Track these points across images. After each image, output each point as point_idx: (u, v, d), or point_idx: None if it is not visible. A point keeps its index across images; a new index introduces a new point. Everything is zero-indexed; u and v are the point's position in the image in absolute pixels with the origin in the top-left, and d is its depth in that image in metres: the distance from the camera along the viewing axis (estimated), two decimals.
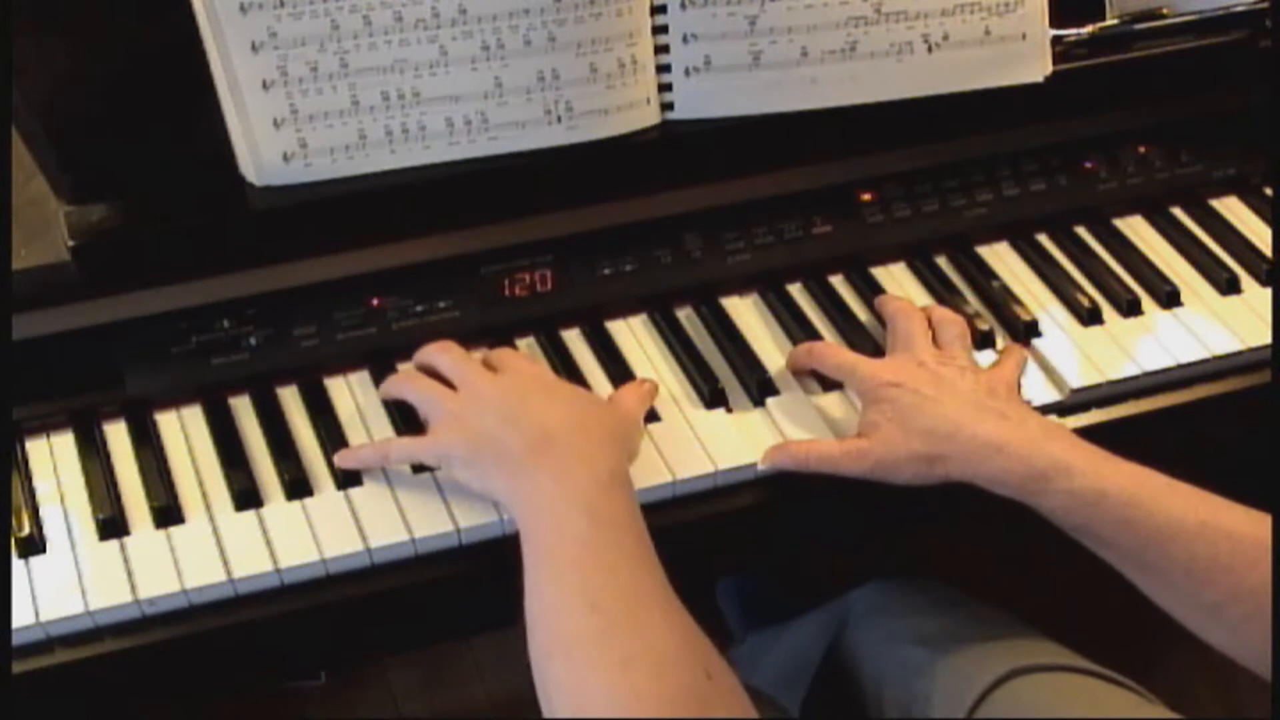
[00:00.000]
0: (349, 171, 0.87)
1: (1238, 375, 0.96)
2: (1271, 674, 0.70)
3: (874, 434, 0.83)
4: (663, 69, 0.92)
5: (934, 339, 0.89)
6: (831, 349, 0.90)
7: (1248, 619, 0.72)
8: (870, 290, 0.99)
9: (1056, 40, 0.97)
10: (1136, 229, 1.06)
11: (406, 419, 0.87)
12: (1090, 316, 0.98)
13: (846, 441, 0.84)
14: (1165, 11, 1.02)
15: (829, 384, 0.92)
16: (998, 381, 0.85)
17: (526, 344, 0.94)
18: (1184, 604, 0.75)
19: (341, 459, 0.83)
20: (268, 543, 0.80)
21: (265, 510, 0.82)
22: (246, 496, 0.82)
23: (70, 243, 0.82)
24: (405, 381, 0.86)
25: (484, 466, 0.78)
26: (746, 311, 0.98)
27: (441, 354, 0.85)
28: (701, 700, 0.65)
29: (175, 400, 0.88)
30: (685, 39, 0.91)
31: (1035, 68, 0.97)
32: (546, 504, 0.74)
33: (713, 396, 0.90)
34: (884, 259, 1.02)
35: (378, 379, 0.90)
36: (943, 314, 0.91)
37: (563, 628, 0.69)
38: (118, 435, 0.86)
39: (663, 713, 0.64)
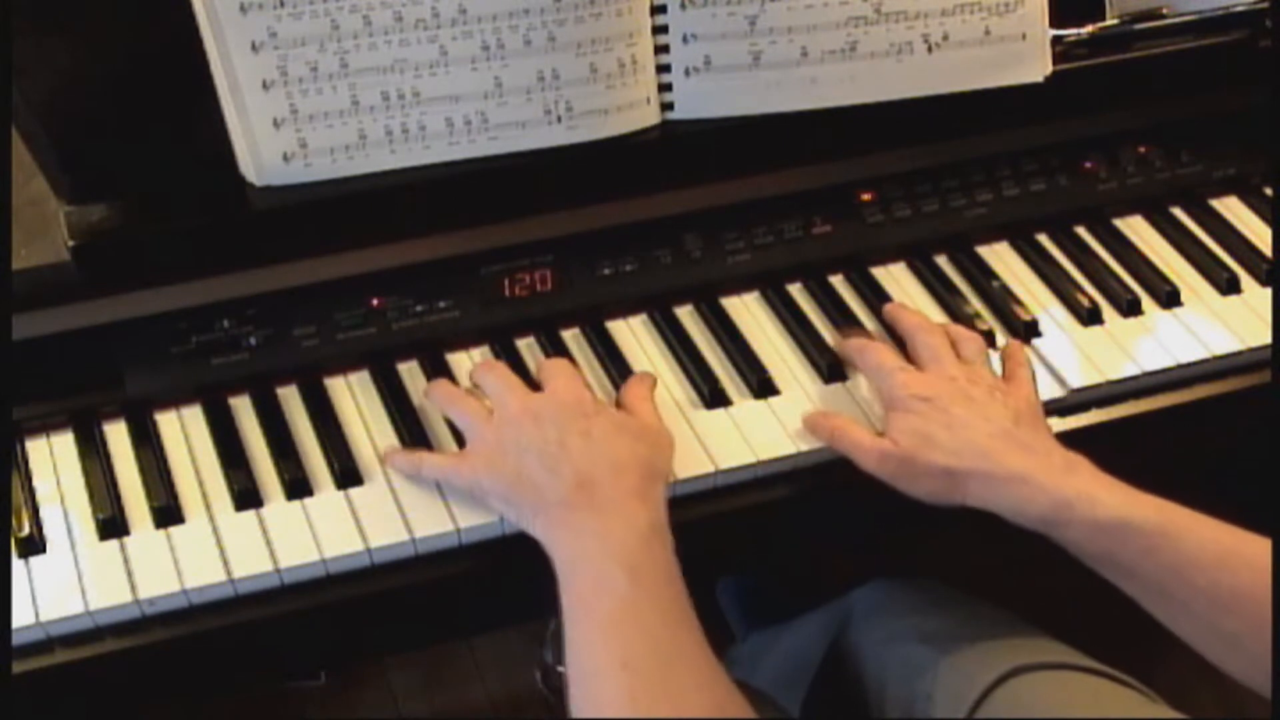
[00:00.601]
0: (349, 171, 0.87)
1: (1238, 375, 0.96)
2: (1272, 674, 0.70)
3: (900, 441, 0.82)
4: (663, 69, 0.92)
5: (956, 350, 0.88)
6: (875, 348, 0.89)
7: (1269, 650, 0.71)
8: (870, 290, 0.99)
9: (1056, 40, 0.97)
10: (1136, 229, 1.06)
11: (408, 422, 0.87)
12: (1090, 316, 0.98)
13: (878, 439, 0.84)
14: (1165, 11, 1.02)
15: (830, 380, 0.92)
16: (1024, 407, 0.84)
17: (526, 344, 0.94)
18: (1205, 634, 0.75)
19: (388, 457, 0.84)
20: (268, 543, 0.80)
21: (265, 510, 0.82)
22: (246, 496, 0.82)
23: (70, 243, 0.82)
24: (449, 400, 0.86)
25: (521, 508, 0.78)
26: (746, 311, 0.98)
27: (486, 373, 0.85)
28: None
29: (175, 400, 0.88)
30: (685, 39, 0.91)
31: (1035, 68, 0.97)
32: (587, 559, 0.74)
33: (713, 396, 0.90)
34: (884, 259, 1.02)
35: (378, 379, 0.90)
36: (960, 330, 0.91)
37: (597, 690, 0.69)
38: (118, 435, 0.86)
39: None
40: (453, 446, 0.86)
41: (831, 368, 0.92)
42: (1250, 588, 0.72)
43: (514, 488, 0.78)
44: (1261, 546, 0.74)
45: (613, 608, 0.71)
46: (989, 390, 0.84)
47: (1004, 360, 0.90)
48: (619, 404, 0.86)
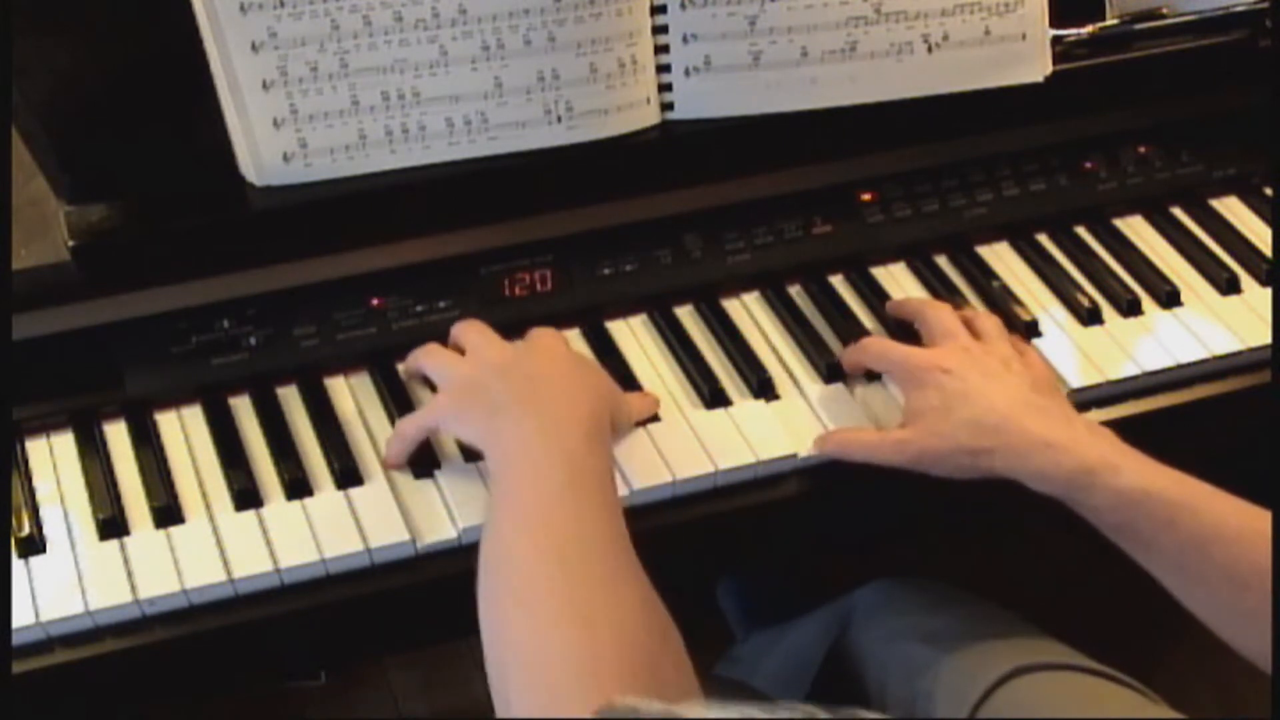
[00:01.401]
0: (349, 171, 0.87)
1: (1238, 375, 0.96)
2: (1271, 675, 0.70)
3: (918, 423, 0.83)
4: (663, 69, 0.92)
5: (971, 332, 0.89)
6: (876, 341, 0.90)
7: None
8: (870, 290, 0.99)
9: (1056, 40, 0.97)
10: (1136, 229, 1.06)
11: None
12: (1090, 316, 0.98)
13: (889, 432, 0.84)
14: (1165, 11, 1.02)
15: (830, 380, 0.92)
16: (1040, 375, 0.85)
17: None
18: (1221, 610, 0.75)
19: (387, 458, 0.84)
20: (268, 543, 0.80)
21: (265, 510, 0.82)
22: (246, 496, 0.82)
23: (70, 243, 0.82)
24: (422, 355, 0.87)
25: (472, 414, 0.79)
26: (746, 312, 0.98)
27: (465, 329, 0.87)
28: (655, 665, 0.65)
29: (175, 400, 0.88)
30: (685, 39, 0.91)
31: (1035, 68, 0.97)
32: (526, 450, 0.74)
33: (713, 396, 0.90)
34: (884, 259, 1.02)
35: (378, 379, 0.90)
36: (974, 311, 0.92)
37: (528, 578, 0.68)
38: (118, 435, 0.86)
39: (619, 674, 0.63)
40: (454, 451, 0.86)
41: (831, 368, 0.92)
42: (1269, 564, 0.71)
43: (469, 399, 0.80)
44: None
45: (547, 497, 0.71)
46: (1004, 361, 0.84)
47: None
48: None
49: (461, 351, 0.86)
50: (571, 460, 0.73)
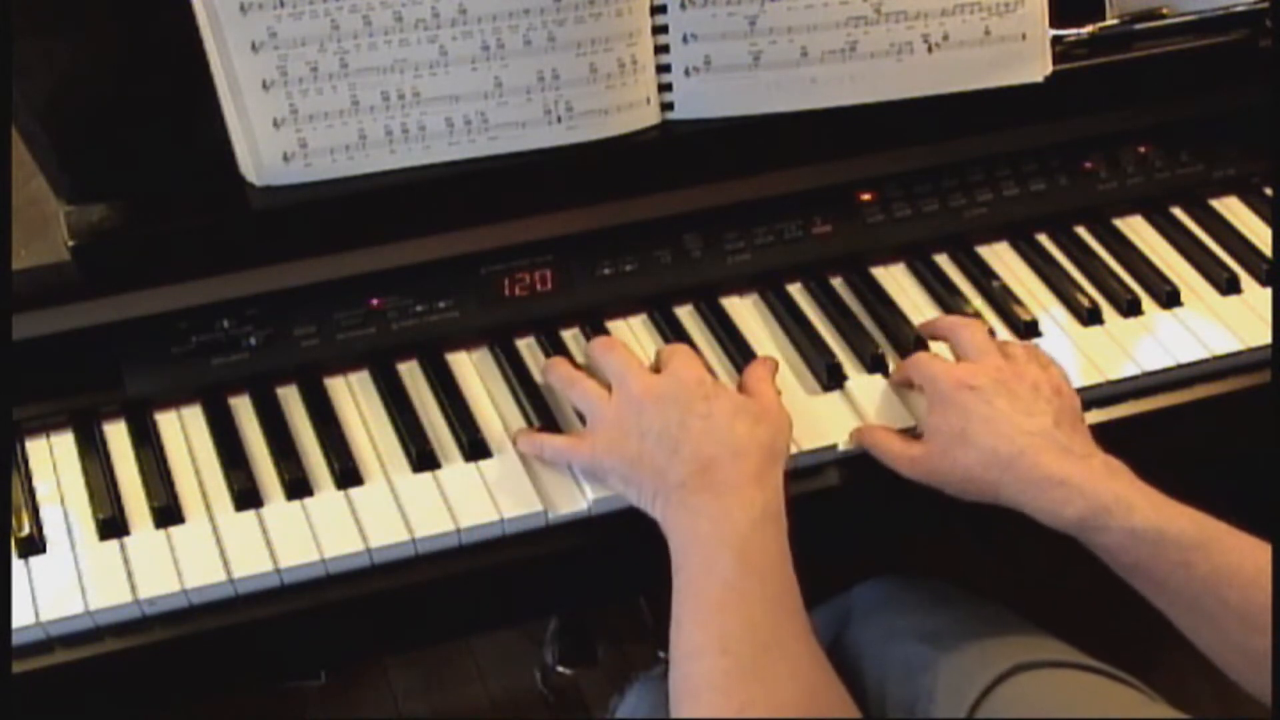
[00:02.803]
0: (349, 171, 0.87)
1: (1238, 375, 0.96)
2: (1271, 674, 0.70)
3: (934, 441, 0.82)
4: (663, 69, 0.92)
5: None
6: (923, 356, 0.89)
7: None
8: (870, 290, 0.99)
9: (1056, 40, 0.97)
10: (1136, 229, 1.06)
11: (408, 422, 0.87)
12: (1090, 316, 0.98)
13: (908, 443, 0.85)
14: (1165, 11, 1.02)
15: (830, 385, 0.92)
16: (1066, 405, 0.83)
17: (526, 344, 0.94)
18: (1232, 651, 0.74)
19: (516, 438, 0.86)
20: (268, 543, 0.80)
21: (265, 510, 0.82)
22: (246, 496, 0.82)
23: (70, 243, 0.82)
24: (568, 382, 0.86)
25: (641, 489, 0.79)
26: (746, 311, 0.98)
27: (605, 352, 0.86)
28: None
29: (175, 400, 0.88)
30: (685, 39, 0.91)
31: (1035, 68, 0.97)
32: (699, 543, 0.75)
33: None
34: (884, 259, 1.02)
35: (378, 379, 0.90)
36: (1006, 341, 0.91)
37: (695, 671, 0.70)
38: (118, 435, 0.86)
39: None
40: (454, 451, 0.86)
41: (830, 369, 0.92)
42: None
43: (634, 469, 0.79)
44: None
45: (718, 591, 0.72)
46: (1033, 387, 0.83)
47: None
48: (740, 386, 0.87)
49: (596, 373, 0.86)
50: (740, 553, 0.73)
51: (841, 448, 0.88)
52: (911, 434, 0.88)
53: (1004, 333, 0.97)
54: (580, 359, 0.93)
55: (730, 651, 0.70)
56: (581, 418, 0.86)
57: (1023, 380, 0.83)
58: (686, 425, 0.79)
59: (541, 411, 0.88)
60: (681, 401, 0.80)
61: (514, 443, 0.86)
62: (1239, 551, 0.74)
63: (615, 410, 0.82)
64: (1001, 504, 0.80)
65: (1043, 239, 1.04)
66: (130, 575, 0.78)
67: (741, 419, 0.80)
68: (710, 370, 0.89)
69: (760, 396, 0.85)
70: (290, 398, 0.89)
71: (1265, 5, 1.02)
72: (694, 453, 0.78)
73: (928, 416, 0.84)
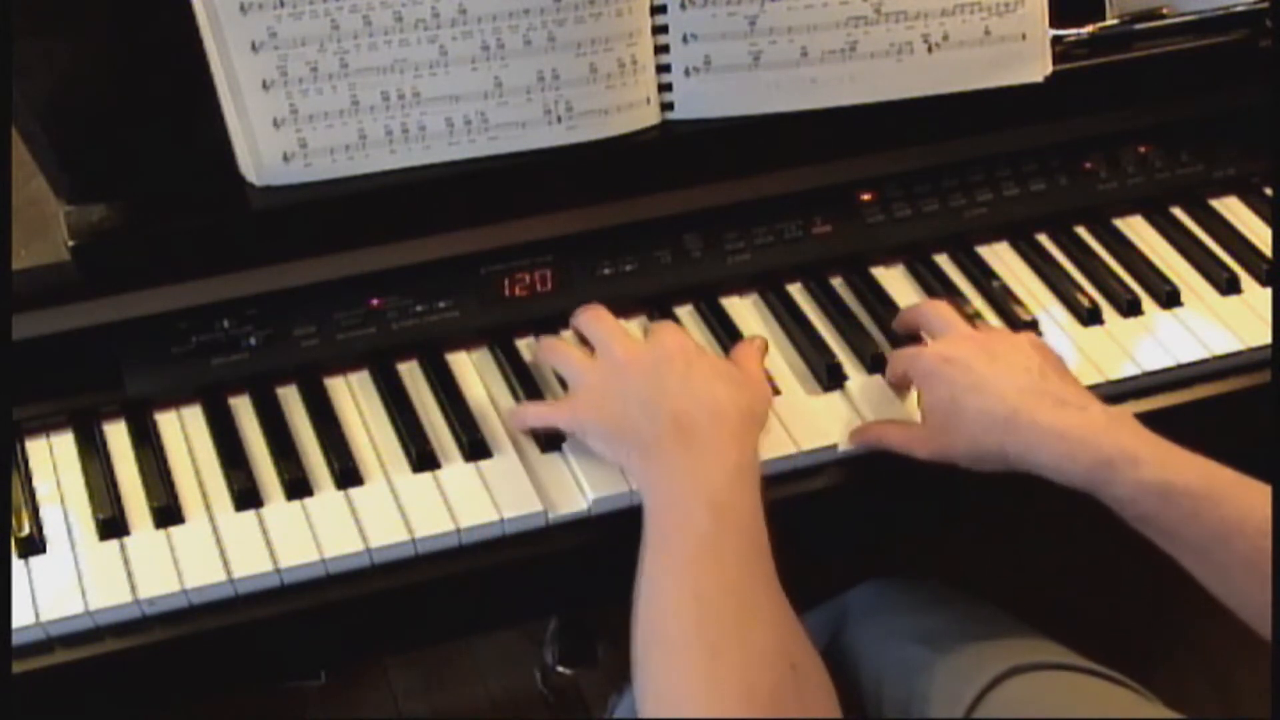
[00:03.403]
0: (349, 171, 0.87)
1: (1238, 375, 0.96)
2: (1271, 674, 0.70)
3: (931, 417, 0.83)
4: (663, 69, 0.92)
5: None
6: (896, 350, 0.90)
7: None
8: (870, 290, 0.99)
9: (1056, 40, 0.97)
10: (1136, 229, 1.06)
11: (408, 422, 0.87)
12: (1090, 316, 0.98)
13: (910, 428, 0.85)
14: (1165, 11, 1.02)
15: (830, 385, 0.92)
16: (1048, 355, 0.83)
17: (526, 344, 0.94)
18: (1243, 600, 0.74)
19: (507, 416, 0.88)
20: (268, 543, 0.80)
21: (265, 510, 0.82)
22: (246, 496, 0.82)
23: (70, 243, 0.82)
24: (551, 350, 0.88)
25: (619, 445, 0.80)
26: (746, 311, 0.98)
27: (590, 321, 0.87)
28: (782, 694, 0.67)
29: (175, 400, 0.88)
30: (685, 39, 0.91)
31: (1035, 68, 0.97)
32: (675, 496, 0.75)
33: None
34: (884, 259, 1.02)
35: (378, 379, 0.90)
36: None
37: (666, 620, 0.71)
38: (118, 435, 0.86)
39: (742, 703, 0.65)
40: (454, 451, 0.86)
41: (830, 369, 0.92)
42: None
43: (615, 430, 0.80)
44: None
45: (693, 544, 0.73)
46: (1011, 345, 0.83)
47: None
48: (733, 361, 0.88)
49: (585, 342, 0.87)
50: (714, 505, 0.74)
51: (841, 448, 0.88)
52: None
53: None
54: None
55: (704, 600, 0.70)
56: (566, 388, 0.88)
57: (997, 341, 0.84)
58: (666, 387, 0.80)
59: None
60: (663, 365, 0.82)
61: (507, 426, 0.87)
62: (1248, 501, 0.73)
63: (598, 374, 0.84)
64: (1012, 467, 0.79)
65: (1043, 239, 1.04)
66: (130, 575, 0.78)
67: (721, 382, 0.81)
68: None
69: (743, 366, 0.86)
70: (290, 398, 0.89)
71: (1265, 5, 1.02)
72: (671, 411, 0.78)
73: (921, 401, 0.85)
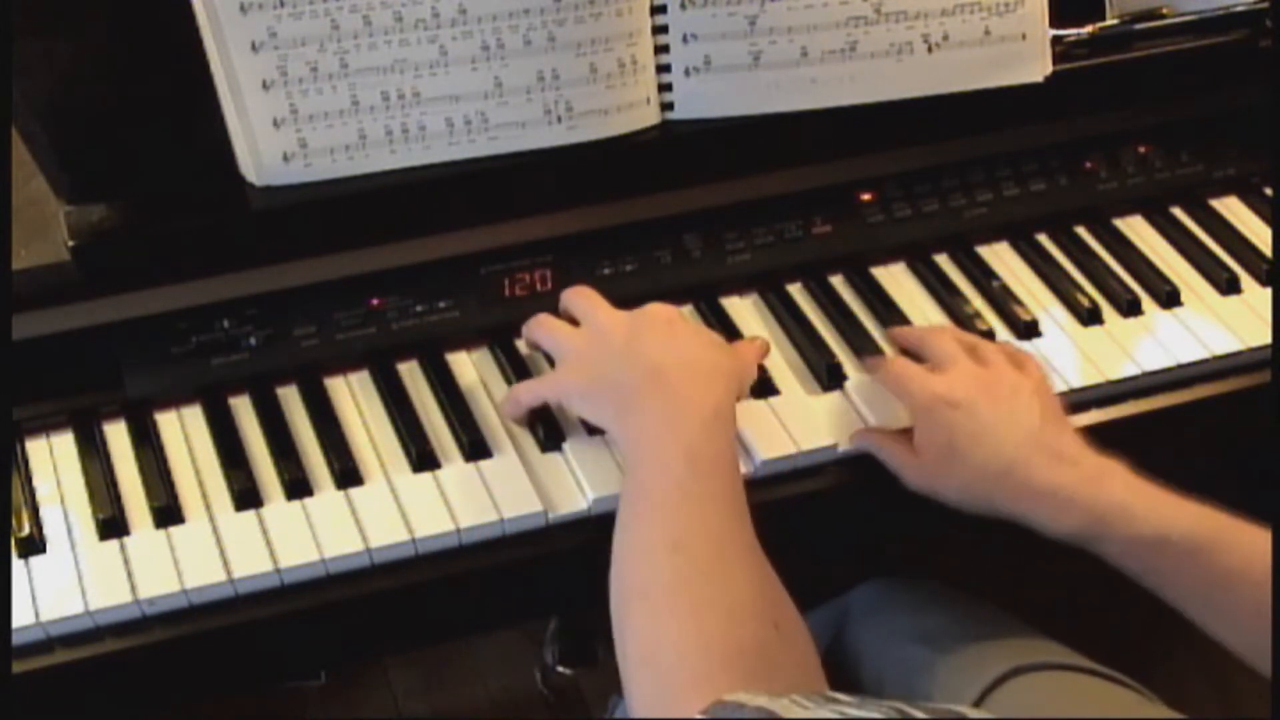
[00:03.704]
0: (349, 171, 0.87)
1: (1238, 375, 0.96)
2: (1271, 674, 0.70)
3: (925, 454, 0.82)
4: (663, 69, 0.92)
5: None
6: (898, 364, 0.88)
7: None
8: (870, 290, 0.99)
9: (1056, 40, 0.97)
10: (1136, 229, 1.06)
11: (408, 422, 0.87)
12: (1090, 316, 0.98)
13: (908, 452, 0.83)
14: (1165, 11, 1.02)
15: (830, 385, 0.92)
16: (1047, 401, 0.82)
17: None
18: (1250, 646, 0.73)
19: (501, 407, 0.88)
20: (268, 543, 0.80)
21: (265, 510, 0.82)
22: (246, 496, 0.82)
23: (70, 243, 0.82)
24: (536, 326, 0.88)
25: (598, 400, 0.81)
26: (746, 311, 0.98)
27: (575, 296, 0.88)
28: (767, 653, 0.66)
29: (175, 400, 0.88)
30: (685, 39, 0.91)
31: (1035, 68, 0.97)
32: (651, 443, 0.76)
33: None
34: (884, 259, 1.02)
35: (378, 379, 0.90)
36: (973, 336, 0.90)
37: (645, 570, 0.70)
38: (118, 435, 0.86)
39: (728, 662, 0.65)
40: (454, 451, 0.86)
41: (830, 369, 0.92)
42: None
43: (595, 385, 0.81)
44: None
45: (672, 491, 0.73)
46: (1013, 388, 0.82)
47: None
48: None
49: (573, 320, 0.87)
50: (690, 452, 0.74)
51: (841, 448, 0.88)
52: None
53: (1004, 333, 0.97)
54: None
55: (682, 550, 0.70)
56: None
57: (1001, 384, 0.82)
58: (643, 343, 0.81)
59: (540, 409, 0.88)
60: (645, 326, 0.83)
61: (507, 426, 0.87)
62: (1248, 550, 0.73)
63: (582, 339, 0.84)
64: (999, 516, 0.80)
65: (1043, 239, 1.04)
66: (130, 575, 0.78)
67: (703, 344, 0.83)
68: None
69: (737, 348, 0.87)
70: (290, 398, 0.89)
71: (1265, 5, 1.02)
72: (647, 363, 0.79)
73: (915, 431, 0.83)
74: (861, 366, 0.92)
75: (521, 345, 0.93)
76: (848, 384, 0.92)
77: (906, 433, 0.86)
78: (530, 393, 0.86)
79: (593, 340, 0.84)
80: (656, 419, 0.76)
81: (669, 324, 0.83)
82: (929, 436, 0.82)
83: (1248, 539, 0.73)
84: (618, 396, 0.79)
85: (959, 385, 0.82)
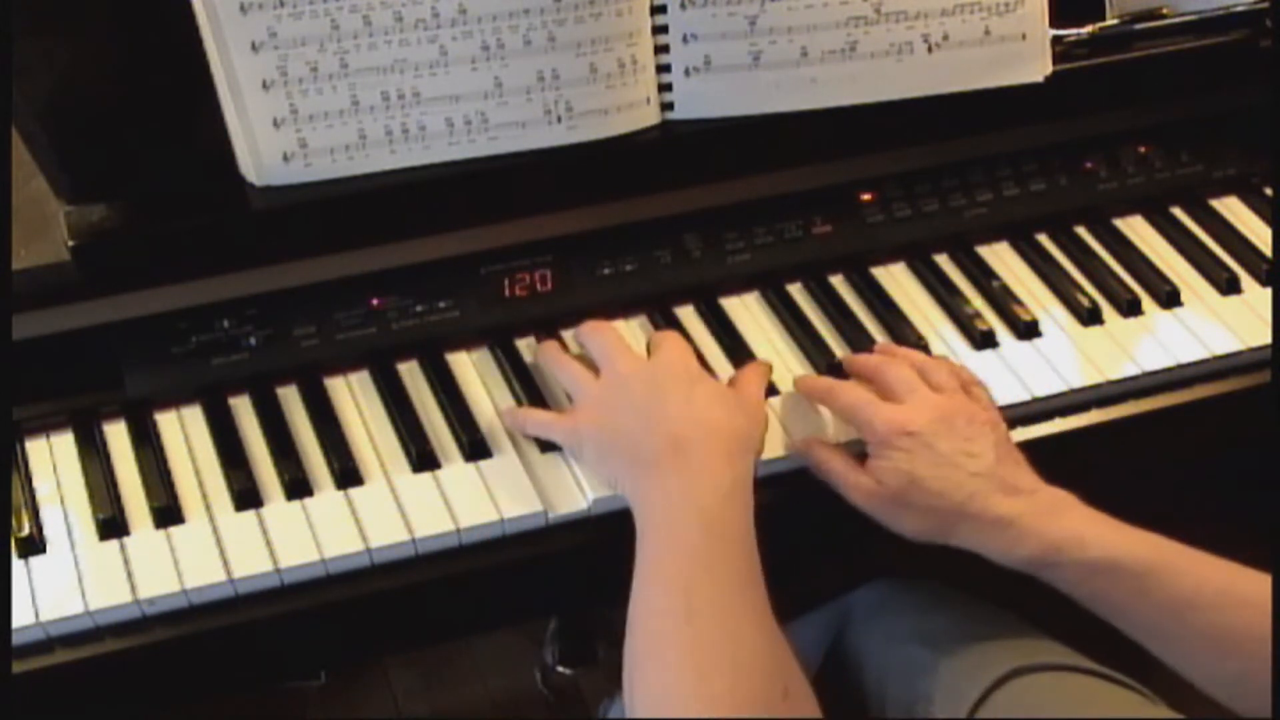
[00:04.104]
0: (349, 171, 0.87)
1: (1238, 375, 0.96)
2: (1271, 673, 0.70)
3: (885, 481, 0.81)
4: (663, 69, 0.92)
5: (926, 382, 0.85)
6: (841, 388, 0.87)
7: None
8: (870, 290, 0.99)
9: (1056, 40, 0.97)
10: (1136, 229, 1.06)
11: (408, 421, 0.87)
12: (1090, 316, 0.98)
13: (861, 474, 0.83)
14: (1165, 11, 1.02)
15: None
16: (1001, 437, 0.82)
17: (526, 344, 0.94)
18: (1207, 674, 0.74)
19: (505, 415, 0.88)
20: (268, 543, 0.80)
21: (265, 510, 0.82)
22: (246, 496, 0.82)
23: (70, 243, 0.82)
24: (555, 362, 0.88)
25: (615, 463, 0.80)
26: (746, 311, 0.98)
27: (593, 335, 0.87)
28: (774, 716, 0.67)
29: (175, 400, 0.88)
30: (685, 39, 0.91)
31: (1035, 68, 0.97)
32: (669, 513, 0.76)
33: None
34: (884, 259, 1.02)
35: (378, 379, 0.90)
36: (926, 359, 0.89)
37: (660, 633, 0.71)
38: (118, 435, 0.86)
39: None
40: (454, 451, 0.86)
41: (831, 369, 0.92)
42: (1249, 627, 0.71)
43: (612, 442, 0.81)
44: (1259, 583, 0.73)
45: (685, 559, 0.73)
46: (968, 420, 0.81)
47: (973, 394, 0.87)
48: (730, 381, 0.88)
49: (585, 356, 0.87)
50: (708, 520, 0.74)
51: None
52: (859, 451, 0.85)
53: (1004, 333, 0.97)
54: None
55: (696, 620, 0.70)
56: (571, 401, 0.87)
57: (959, 415, 0.82)
58: (666, 405, 0.80)
59: (541, 406, 0.88)
60: (665, 382, 0.82)
61: (507, 426, 0.87)
62: (1198, 576, 0.74)
63: (601, 388, 0.84)
64: (952, 545, 0.80)
65: (1043, 239, 1.04)
66: (130, 575, 0.78)
67: (720, 405, 0.81)
68: (705, 364, 0.90)
69: (744, 390, 0.86)
70: (290, 398, 0.89)
71: (1265, 5, 1.02)
72: (669, 431, 0.79)
73: (871, 459, 0.82)
74: (798, 387, 0.90)
75: (523, 347, 0.93)
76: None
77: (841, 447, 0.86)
78: (540, 427, 0.86)
79: (612, 389, 0.83)
80: (675, 490, 0.76)
81: (690, 383, 0.82)
82: (888, 466, 0.81)
83: (1197, 566, 0.74)
84: (636, 459, 0.79)
85: (917, 415, 0.81)
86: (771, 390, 0.91)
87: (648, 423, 0.80)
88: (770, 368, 0.91)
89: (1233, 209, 1.09)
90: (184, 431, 0.87)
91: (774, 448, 0.86)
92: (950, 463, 0.79)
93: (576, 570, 0.87)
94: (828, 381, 0.89)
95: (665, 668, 0.69)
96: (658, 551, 0.75)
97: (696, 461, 0.77)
